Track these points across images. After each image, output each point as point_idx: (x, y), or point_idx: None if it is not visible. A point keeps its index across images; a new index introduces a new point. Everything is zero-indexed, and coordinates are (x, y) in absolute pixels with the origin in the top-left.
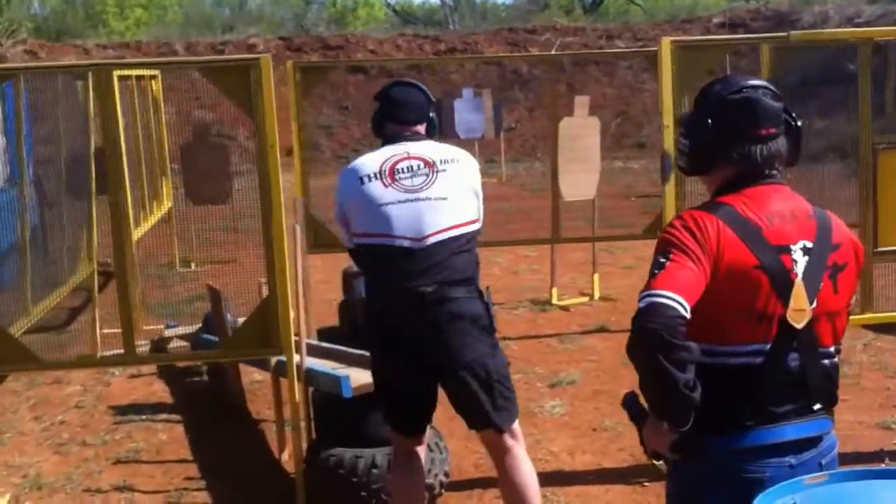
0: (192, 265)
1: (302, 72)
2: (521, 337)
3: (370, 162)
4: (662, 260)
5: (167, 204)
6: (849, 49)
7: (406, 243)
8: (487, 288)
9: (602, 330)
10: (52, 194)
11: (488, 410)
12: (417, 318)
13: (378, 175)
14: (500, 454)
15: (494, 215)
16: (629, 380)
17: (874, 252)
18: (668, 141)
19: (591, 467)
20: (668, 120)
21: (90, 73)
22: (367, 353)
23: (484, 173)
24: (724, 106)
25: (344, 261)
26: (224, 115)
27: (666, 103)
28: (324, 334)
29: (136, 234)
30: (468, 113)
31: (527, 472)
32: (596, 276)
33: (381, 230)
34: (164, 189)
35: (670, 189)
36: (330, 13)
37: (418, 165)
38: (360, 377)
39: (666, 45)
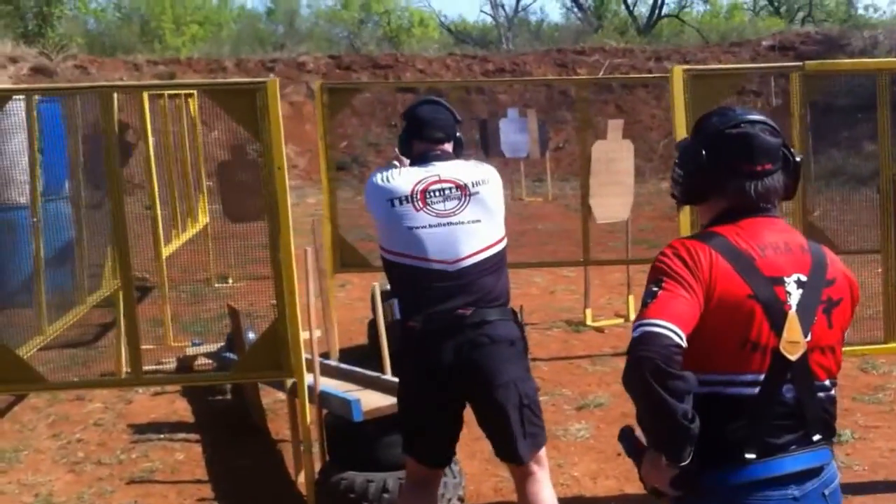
0: (230, 280)
1: (329, 93)
2: (552, 358)
3: (401, 184)
4: (655, 289)
5: (203, 220)
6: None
7: (440, 266)
8: (521, 308)
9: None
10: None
11: (517, 436)
12: (455, 340)
13: (409, 198)
14: (522, 478)
15: (533, 235)
16: None
17: None
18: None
19: (613, 493)
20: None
21: (114, 94)
22: (385, 376)
23: (531, 192)
24: (721, 140)
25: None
26: None
27: (679, 132)
28: (352, 353)
29: (168, 250)
30: (514, 133)
31: (548, 497)
32: (631, 298)
33: (414, 252)
34: (201, 206)
35: (685, 217)
36: (384, 31)
37: (450, 189)
38: (373, 400)
39: (678, 74)
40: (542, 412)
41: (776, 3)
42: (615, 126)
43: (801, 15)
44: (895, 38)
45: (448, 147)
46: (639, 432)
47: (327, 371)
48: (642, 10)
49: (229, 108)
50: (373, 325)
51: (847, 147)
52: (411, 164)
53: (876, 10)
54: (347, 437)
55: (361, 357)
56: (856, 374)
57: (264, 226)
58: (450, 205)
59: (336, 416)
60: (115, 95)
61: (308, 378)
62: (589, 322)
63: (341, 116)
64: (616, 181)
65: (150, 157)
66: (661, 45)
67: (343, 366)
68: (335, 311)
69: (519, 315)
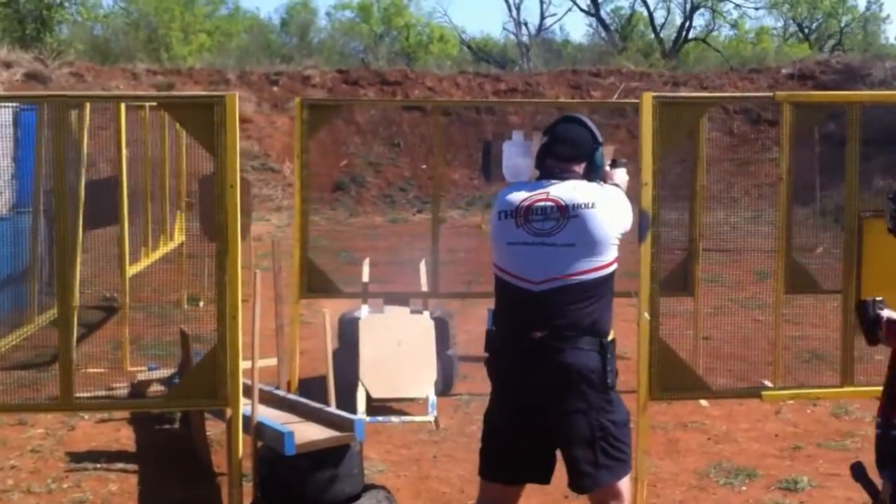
0: (201, 303)
1: (310, 109)
2: None
3: (514, 197)
4: None
5: (179, 238)
6: None
7: (526, 285)
8: (613, 339)
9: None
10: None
11: (584, 468)
12: (525, 363)
13: (514, 213)
14: None
15: None
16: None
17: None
18: (646, 199)
19: None
20: (647, 177)
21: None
22: (329, 408)
23: None
24: None
25: (345, 306)
26: (270, 148)
27: (645, 160)
28: (316, 383)
29: (135, 269)
30: (516, 156)
31: None
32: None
33: (507, 267)
34: (178, 223)
35: (646, 249)
36: (402, 46)
37: (552, 209)
38: (310, 433)
39: (647, 101)
40: (626, 444)
41: (805, 30)
42: (605, 152)
43: (831, 43)
44: None
45: (578, 167)
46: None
47: (272, 401)
48: (670, 32)
49: (185, 122)
50: (338, 354)
51: (862, 181)
52: (537, 180)
53: None
54: (279, 471)
55: (321, 387)
56: (827, 420)
57: (245, 246)
58: (548, 225)
59: (269, 449)
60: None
61: (247, 408)
62: None
63: (345, 134)
64: None
65: (121, 172)
66: (679, 69)
67: (289, 396)
68: (297, 338)
69: (609, 347)
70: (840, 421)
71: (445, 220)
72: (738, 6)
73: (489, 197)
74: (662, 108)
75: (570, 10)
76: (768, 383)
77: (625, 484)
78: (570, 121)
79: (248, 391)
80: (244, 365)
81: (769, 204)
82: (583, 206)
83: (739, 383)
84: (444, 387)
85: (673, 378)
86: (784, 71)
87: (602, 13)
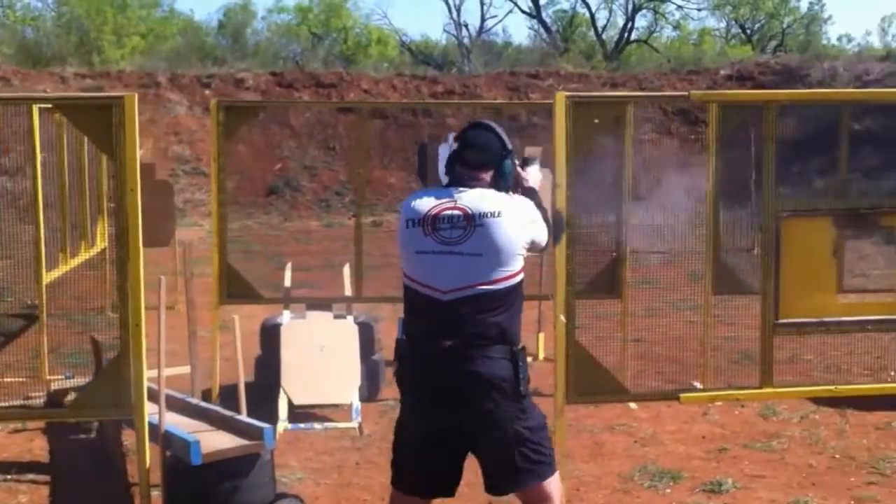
0: None
1: (226, 111)
2: None
3: (421, 205)
4: None
5: (101, 244)
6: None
7: (434, 294)
8: (523, 347)
9: (534, 394)
10: None
11: (504, 472)
12: (436, 372)
13: (421, 222)
14: None
15: None
16: None
17: (775, 324)
18: (561, 200)
19: None
20: (561, 179)
21: None
22: (240, 416)
23: None
24: None
25: (267, 312)
26: (202, 152)
27: (559, 161)
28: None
29: (52, 275)
30: None
31: None
32: (541, 336)
33: (417, 277)
34: (100, 228)
35: (561, 251)
36: (341, 49)
37: (459, 217)
38: (218, 442)
39: (560, 101)
40: (546, 445)
41: (748, 32)
42: (532, 153)
43: (773, 44)
44: (854, 71)
45: (485, 175)
46: None
47: (184, 409)
48: (612, 34)
49: (82, 125)
50: (260, 361)
51: (798, 183)
52: (445, 187)
53: (849, 40)
54: (186, 481)
55: (245, 394)
56: (754, 421)
57: (171, 251)
58: (455, 233)
59: (177, 459)
60: None
61: (155, 416)
62: None
63: (280, 138)
64: None
65: (36, 175)
66: (620, 71)
67: (201, 404)
68: (218, 344)
69: (519, 355)
70: (767, 422)
71: (382, 223)
72: (680, 7)
73: None
74: (576, 107)
75: (510, 11)
76: (698, 385)
77: (553, 485)
78: (480, 127)
79: (166, 400)
80: (151, 374)
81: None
82: (489, 214)
83: (669, 385)
84: (370, 392)
85: (590, 381)
86: (723, 72)
87: (544, 15)
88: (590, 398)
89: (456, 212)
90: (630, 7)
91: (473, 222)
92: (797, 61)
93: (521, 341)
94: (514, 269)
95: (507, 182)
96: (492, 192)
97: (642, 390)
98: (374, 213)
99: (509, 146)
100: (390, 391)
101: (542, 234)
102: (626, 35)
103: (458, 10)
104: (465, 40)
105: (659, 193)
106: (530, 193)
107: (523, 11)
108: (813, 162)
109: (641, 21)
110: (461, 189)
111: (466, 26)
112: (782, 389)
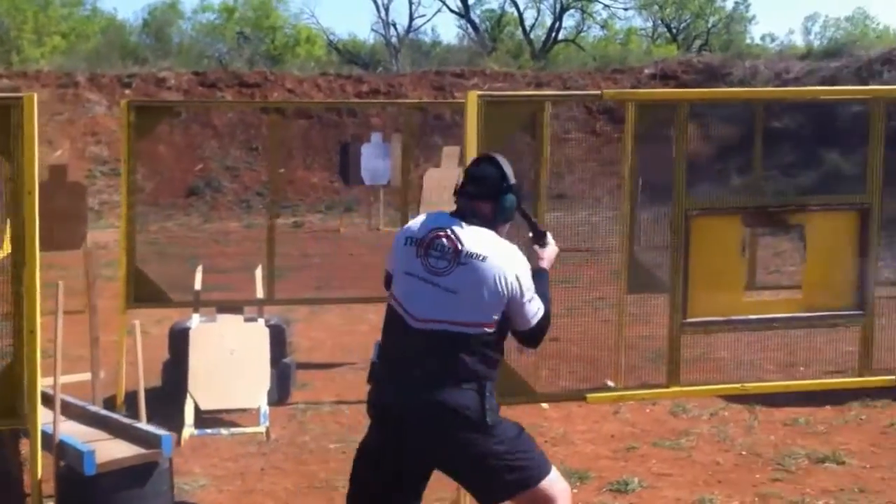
0: None
1: (137, 112)
2: (360, 402)
3: (424, 225)
4: None
5: (7, 248)
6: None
7: (408, 319)
8: (493, 379)
9: None
10: None
11: (489, 491)
12: (403, 399)
13: (417, 242)
14: None
15: (367, 269)
16: None
17: (682, 323)
18: None
19: None
20: None
21: None
22: (139, 423)
23: (393, 222)
24: None
25: (175, 315)
26: (121, 153)
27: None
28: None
29: None
30: (375, 159)
31: None
32: None
33: (400, 298)
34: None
35: None
36: (268, 49)
37: (449, 249)
38: (114, 451)
39: (472, 100)
40: (522, 454)
41: (673, 31)
42: (450, 153)
43: (697, 43)
44: (774, 69)
45: (484, 206)
46: None
47: (82, 417)
48: (540, 33)
49: None
50: (168, 366)
51: (718, 180)
52: (453, 215)
53: (773, 39)
54: (79, 491)
55: (151, 400)
56: (665, 419)
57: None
58: (441, 264)
59: (70, 468)
60: None
61: (50, 425)
62: None
63: (201, 138)
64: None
65: None
66: (548, 70)
67: (101, 411)
68: (124, 350)
69: (486, 386)
70: (678, 419)
71: (303, 224)
72: (607, 7)
73: (348, 200)
74: (488, 107)
75: (439, 10)
76: (611, 384)
77: (550, 488)
78: (484, 160)
79: (64, 407)
80: (45, 380)
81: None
82: (475, 256)
83: (583, 384)
84: (280, 396)
85: (497, 383)
86: (647, 71)
87: (473, 14)
88: (502, 400)
89: (448, 243)
90: (558, 7)
91: (459, 259)
92: (719, 60)
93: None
94: (486, 319)
95: (506, 216)
96: (491, 236)
97: (550, 391)
98: (297, 213)
99: (511, 180)
100: (302, 395)
101: (525, 299)
102: (553, 34)
103: (387, 10)
104: (394, 39)
105: (581, 191)
106: (539, 274)
107: (452, 11)
108: (733, 160)
109: (569, 21)
110: (465, 222)
111: (395, 25)
112: (689, 388)
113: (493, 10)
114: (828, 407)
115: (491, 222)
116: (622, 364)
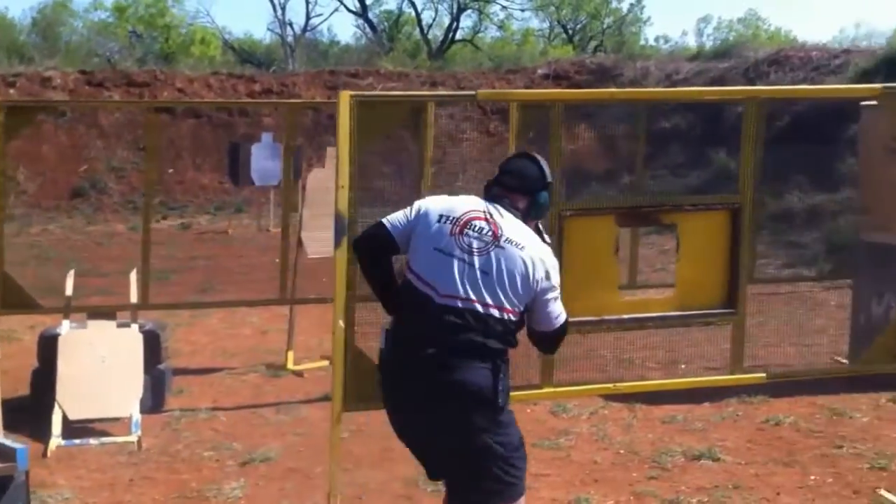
0: None
1: (8, 112)
2: (237, 407)
3: (460, 205)
4: None
5: None
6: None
7: (430, 293)
8: (507, 360)
9: (326, 398)
10: None
11: (468, 491)
12: (415, 375)
13: (453, 220)
14: None
15: (266, 269)
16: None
17: None
18: (343, 202)
19: None
20: (344, 180)
21: None
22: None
23: (280, 222)
24: None
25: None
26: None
27: (342, 161)
28: (10, 405)
29: None
30: (265, 159)
31: None
32: (290, 354)
33: (423, 274)
34: None
35: (341, 254)
36: (162, 48)
37: (488, 231)
38: None
39: (344, 100)
40: (518, 465)
41: (569, 32)
42: (333, 153)
43: (593, 44)
44: (664, 70)
45: (520, 200)
46: None
47: None
48: (438, 33)
49: None
50: (38, 374)
51: (610, 180)
52: (486, 199)
53: (667, 40)
54: None
55: (19, 410)
56: (545, 418)
57: None
58: (477, 245)
59: None
60: None
61: None
62: (290, 366)
63: (87, 138)
64: (330, 212)
65: None
66: (445, 69)
67: None
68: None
69: (500, 366)
70: (558, 419)
71: (191, 225)
72: (504, 7)
73: (239, 202)
74: (360, 107)
75: (336, 10)
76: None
77: None
78: (523, 155)
79: None
80: None
81: None
82: (513, 243)
83: None
84: (154, 403)
85: (370, 387)
86: (540, 71)
87: (371, 14)
88: (369, 404)
89: (487, 225)
90: (455, 7)
91: (498, 242)
92: (611, 61)
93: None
94: (513, 306)
95: (539, 213)
96: (528, 229)
97: None
98: (185, 214)
99: (549, 178)
100: (176, 401)
101: (551, 296)
102: (451, 35)
103: (283, 9)
104: (290, 39)
105: (477, 191)
106: None
107: (350, 10)
108: (624, 160)
109: (467, 21)
110: (499, 207)
111: (291, 25)
112: (561, 389)
113: (390, 11)
114: (706, 404)
115: (523, 217)
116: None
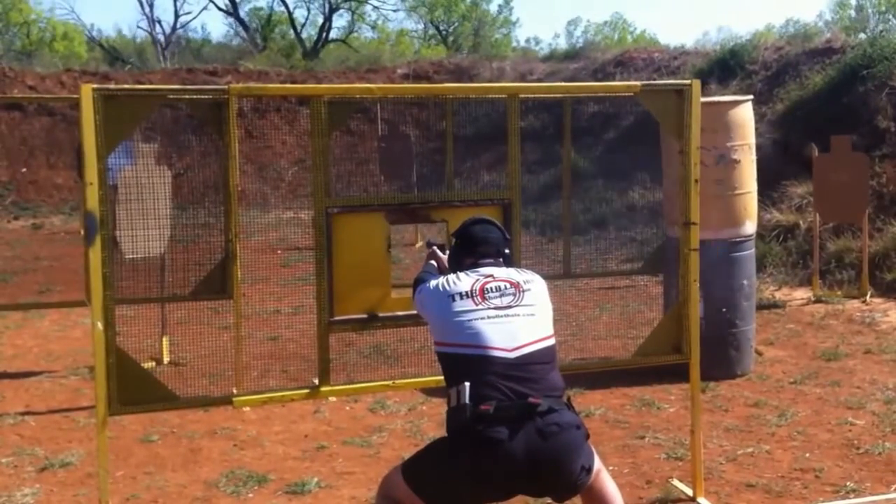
0: None
1: None
2: (49, 411)
3: (461, 283)
4: None
5: None
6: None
7: (500, 354)
8: (569, 397)
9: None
10: None
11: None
12: (526, 429)
13: (469, 294)
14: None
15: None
16: (139, 458)
17: (329, 322)
18: (93, 200)
19: None
20: (92, 177)
21: None
22: None
23: None
24: None
25: None
26: None
27: (89, 157)
28: None
29: None
30: (112, 156)
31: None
32: (165, 340)
33: (473, 342)
34: None
35: (95, 253)
36: (23, 45)
37: (506, 286)
38: None
39: (87, 94)
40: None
41: (443, 33)
42: (145, 151)
43: (466, 45)
44: (519, 70)
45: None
46: None
47: None
48: (312, 33)
49: None
50: None
51: (470, 177)
52: (460, 271)
53: (539, 42)
54: None
55: None
56: (363, 416)
57: None
58: (506, 299)
59: None
60: None
61: None
62: None
63: None
64: (145, 210)
65: None
66: (296, 69)
67: None
68: None
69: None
70: (375, 416)
71: (42, 225)
72: (377, 8)
73: None
74: (106, 101)
75: (205, 8)
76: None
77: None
78: (482, 222)
79: None
80: None
81: None
82: (528, 282)
83: (292, 383)
84: None
85: (135, 390)
86: (400, 71)
87: (241, 13)
88: (135, 407)
89: (501, 282)
90: (327, 7)
91: (521, 288)
92: (469, 61)
93: None
94: (552, 331)
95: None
96: (511, 268)
97: (188, 396)
98: (38, 214)
99: (508, 236)
100: None
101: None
102: (325, 35)
103: (151, 6)
104: (161, 37)
105: (343, 189)
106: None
107: (220, 9)
108: (483, 157)
109: (340, 21)
110: (484, 268)
111: (160, 22)
112: (339, 388)
113: (261, 9)
114: None
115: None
116: (334, 361)
